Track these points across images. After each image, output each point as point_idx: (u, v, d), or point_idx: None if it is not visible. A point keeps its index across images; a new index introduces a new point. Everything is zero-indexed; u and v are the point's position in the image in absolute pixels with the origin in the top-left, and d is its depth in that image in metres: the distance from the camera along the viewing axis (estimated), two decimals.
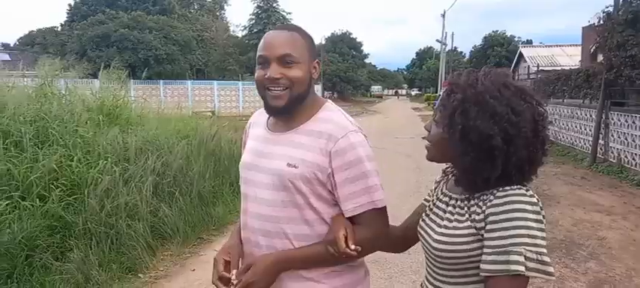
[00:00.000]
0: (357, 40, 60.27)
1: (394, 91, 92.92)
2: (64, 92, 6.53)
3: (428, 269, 1.30)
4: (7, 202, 4.01)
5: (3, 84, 5.80)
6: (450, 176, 1.37)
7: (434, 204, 1.34)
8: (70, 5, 40.41)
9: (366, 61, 66.61)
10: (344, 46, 56.10)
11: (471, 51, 51.77)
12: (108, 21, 27.97)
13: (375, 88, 79.61)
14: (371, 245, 1.36)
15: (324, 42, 55.00)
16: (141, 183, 4.85)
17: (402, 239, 1.49)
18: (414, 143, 13.74)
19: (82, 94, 6.67)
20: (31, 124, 5.16)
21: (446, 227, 1.22)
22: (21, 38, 44.31)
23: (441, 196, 1.33)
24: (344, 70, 51.04)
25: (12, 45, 42.24)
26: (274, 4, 42.69)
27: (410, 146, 13.00)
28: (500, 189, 1.14)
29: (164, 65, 27.82)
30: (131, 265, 4.04)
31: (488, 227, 1.11)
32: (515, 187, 1.14)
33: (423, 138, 1.31)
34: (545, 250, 1.08)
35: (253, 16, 42.09)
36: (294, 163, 1.35)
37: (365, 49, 63.24)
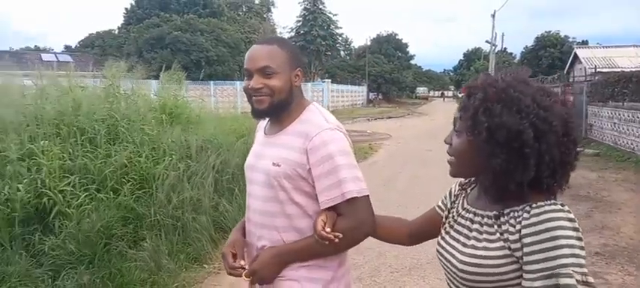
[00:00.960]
0: (403, 41, 59.84)
1: (440, 92, 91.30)
2: (128, 93, 6.92)
3: None
4: (86, 193, 4.34)
5: (75, 85, 6.22)
6: (468, 190, 1.30)
7: (455, 220, 1.26)
8: (126, 9, 42.37)
9: (412, 62, 65.93)
10: (389, 47, 55.81)
11: (522, 52, 50.25)
12: (162, 24, 29.16)
13: (420, 90, 78.45)
14: (351, 235, 1.45)
15: (369, 43, 54.89)
16: (203, 179, 5.11)
17: (407, 237, 1.51)
18: None
19: (145, 95, 7.04)
20: (103, 122, 5.53)
21: (474, 247, 1.14)
22: (81, 41, 46.79)
23: (463, 212, 1.24)
24: (389, 72, 50.73)
25: (73, 47, 44.73)
26: (320, 6, 43.02)
27: None
28: (534, 205, 1.06)
29: (214, 66, 28.67)
30: (197, 255, 4.28)
31: (527, 249, 1.03)
32: (550, 202, 1.06)
33: (447, 152, 1.23)
34: (586, 270, 1.01)
35: (300, 18, 42.61)
36: (278, 162, 1.49)
37: (411, 50, 62.52)
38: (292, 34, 42.55)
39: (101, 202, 4.37)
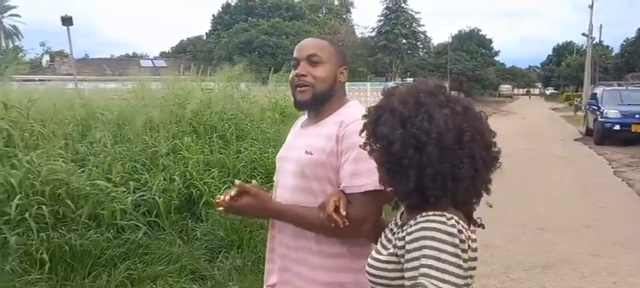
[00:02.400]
0: (487, 37, 57.50)
1: (526, 90, 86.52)
2: (244, 94, 7.42)
3: None
4: (225, 186, 4.76)
5: (205, 86, 6.80)
6: None
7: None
8: (213, 16, 44.73)
9: (496, 58, 63.13)
10: (472, 44, 53.85)
11: (622, 44, 46.32)
12: (250, 28, 30.51)
13: (504, 88, 74.84)
14: (357, 226, 1.39)
15: (450, 40, 53.42)
16: None
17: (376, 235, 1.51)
18: (565, 146, 12.89)
19: (258, 96, 7.49)
20: (231, 121, 6.01)
21: (375, 251, 1.20)
22: (173, 47, 50.10)
23: (392, 223, 1.27)
24: (472, 69, 49.02)
25: (167, 53, 47.97)
26: (403, 5, 42.59)
27: (560, 148, 12.22)
28: (421, 215, 1.07)
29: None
30: None
31: (406, 256, 1.06)
32: (437, 213, 1.05)
33: None
34: (458, 282, 0.99)
35: (382, 17, 42.48)
36: (311, 150, 1.47)
37: (495, 46, 59.78)
38: (373, 33, 42.52)
39: None
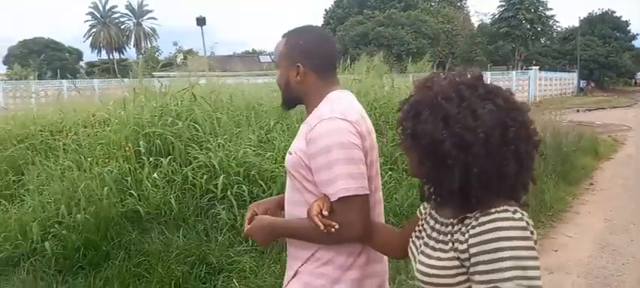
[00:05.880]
0: (622, 19, 51.40)
1: None
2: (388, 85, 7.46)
3: None
4: (387, 174, 4.86)
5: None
6: None
7: (422, 226, 1.23)
8: (325, 10, 45.66)
9: (633, 43, 56.21)
10: (605, 28, 48.54)
11: None
12: (365, 21, 30.69)
13: None
14: (343, 232, 1.34)
15: (578, 24, 48.66)
16: None
17: (399, 250, 1.35)
18: None
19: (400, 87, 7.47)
20: (380, 110, 6.10)
21: (429, 256, 1.12)
22: None
23: (429, 219, 1.20)
24: (605, 55, 44.22)
25: None
26: None
27: None
28: (483, 213, 1.01)
29: (415, 59, 29.08)
30: None
31: (473, 260, 1.00)
32: (501, 208, 1.00)
33: None
34: (538, 282, 0.97)
35: (503, 2, 39.85)
36: (293, 150, 1.46)
37: (632, 29, 53.15)
38: (490, 20, 40.14)
39: (400, 181, 4.87)
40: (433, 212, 1.19)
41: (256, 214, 1.60)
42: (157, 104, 4.84)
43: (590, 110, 23.59)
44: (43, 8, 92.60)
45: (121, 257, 3.40)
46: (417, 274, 1.15)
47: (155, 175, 4.04)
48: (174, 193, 3.87)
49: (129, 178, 4.00)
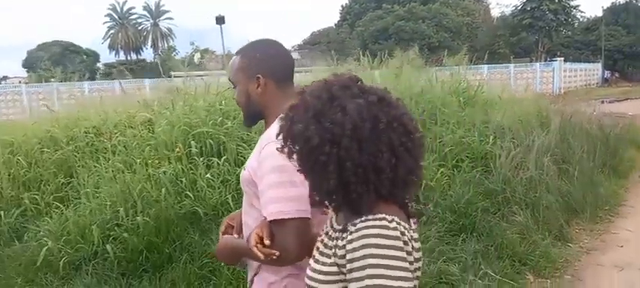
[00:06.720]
0: None
1: None
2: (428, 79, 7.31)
3: None
4: (441, 169, 4.74)
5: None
6: None
7: (324, 233, 1.20)
8: (342, 6, 45.42)
9: None
10: (629, 17, 47.35)
11: None
12: (385, 15, 30.41)
13: None
14: (283, 256, 1.34)
15: (601, 14, 47.58)
16: (538, 158, 5.06)
17: None
18: None
19: (444, 81, 7.32)
20: (424, 105, 5.97)
21: (316, 261, 1.14)
22: (304, 39, 52.03)
23: (328, 223, 1.20)
24: (629, 45, 43.10)
25: (299, 45, 50.01)
26: None
27: None
28: (359, 220, 1.03)
29: (437, 52, 28.78)
30: (558, 233, 4.26)
31: (348, 267, 1.02)
32: (379, 216, 1.02)
33: None
34: (407, 285, 0.99)
35: None
36: (247, 167, 1.49)
37: None
38: (514, 11, 39.23)
39: (453, 177, 4.73)
40: (332, 218, 1.20)
41: (231, 227, 1.63)
42: (204, 103, 4.79)
43: (618, 101, 23.00)
44: (60, 12, 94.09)
45: (184, 260, 3.34)
46: (305, 279, 1.16)
47: (208, 175, 3.98)
48: (230, 193, 3.80)
49: (183, 179, 3.94)
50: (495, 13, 43.29)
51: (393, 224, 1.02)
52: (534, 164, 4.89)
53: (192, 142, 4.27)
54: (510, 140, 5.30)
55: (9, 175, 4.60)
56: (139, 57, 51.20)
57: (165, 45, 52.24)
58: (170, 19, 54.87)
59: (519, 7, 35.65)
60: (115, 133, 5.04)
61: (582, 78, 35.75)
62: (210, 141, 4.27)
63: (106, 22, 52.34)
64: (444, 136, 5.33)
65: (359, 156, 1.03)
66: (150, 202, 3.75)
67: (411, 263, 1.03)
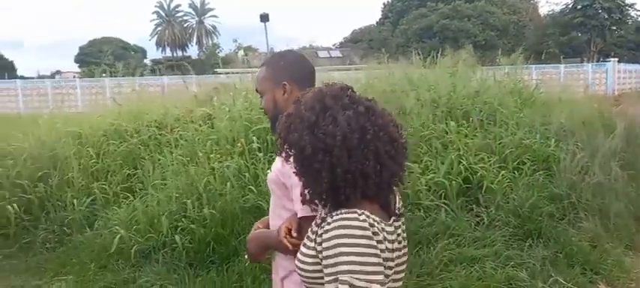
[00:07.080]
0: None
1: None
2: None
3: None
4: (502, 171, 4.61)
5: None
6: None
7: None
8: (384, 4, 44.97)
9: None
10: None
11: None
12: (429, 13, 29.92)
13: None
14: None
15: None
16: (605, 163, 4.86)
17: None
18: None
19: (502, 81, 7.12)
20: (485, 105, 5.82)
21: (303, 246, 1.25)
22: (345, 37, 51.91)
23: (319, 214, 1.29)
24: None
25: (340, 44, 49.95)
26: None
27: None
28: (335, 213, 1.14)
29: (484, 51, 28.08)
30: (629, 243, 4.08)
31: (324, 253, 1.13)
32: (351, 210, 1.13)
33: None
34: (377, 277, 1.09)
35: None
36: (273, 168, 1.59)
37: None
38: (564, 9, 37.72)
39: (514, 180, 4.59)
40: (323, 212, 1.28)
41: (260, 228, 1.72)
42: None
43: None
44: (111, 10, 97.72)
45: None
46: (295, 261, 1.28)
47: (269, 170, 4.03)
48: None
49: (246, 174, 4.01)
50: (544, 11, 41.74)
51: (363, 217, 1.13)
52: (600, 169, 4.69)
53: (254, 138, 4.34)
54: (574, 143, 5.11)
55: (79, 166, 4.80)
56: (184, 53, 52.49)
57: (210, 42, 53.37)
58: (214, 16, 56.04)
59: (570, 5, 34.19)
60: (176, 127, 5.19)
61: (637, 80, 34.00)
62: (271, 137, 4.32)
63: (153, 20, 53.98)
64: (503, 138, 5.20)
65: (348, 163, 1.14)
66: (215, 195, 3.84)
67: (382, 251, 1.13)
